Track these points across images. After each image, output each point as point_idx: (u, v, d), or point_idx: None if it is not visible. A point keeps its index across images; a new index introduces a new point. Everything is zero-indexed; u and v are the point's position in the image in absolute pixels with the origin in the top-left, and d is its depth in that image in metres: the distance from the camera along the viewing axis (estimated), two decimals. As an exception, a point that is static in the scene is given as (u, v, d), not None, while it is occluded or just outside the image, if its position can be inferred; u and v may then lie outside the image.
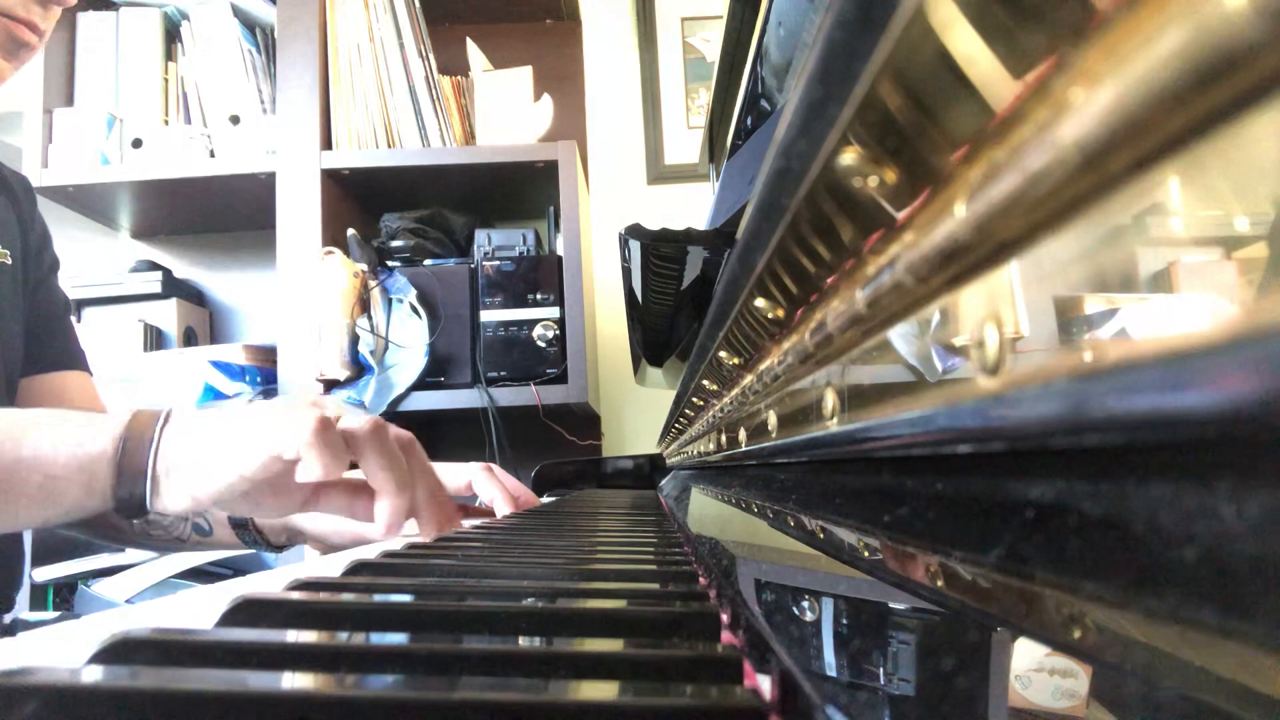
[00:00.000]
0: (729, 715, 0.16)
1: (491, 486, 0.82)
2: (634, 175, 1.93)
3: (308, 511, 0.62)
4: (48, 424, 0.56)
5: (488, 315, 1.43)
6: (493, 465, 0.85)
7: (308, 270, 1.42)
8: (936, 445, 0.18)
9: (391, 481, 0.58)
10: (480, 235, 1.53)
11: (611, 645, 0.21)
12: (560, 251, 1.48)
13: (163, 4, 1.60)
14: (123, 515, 0.57)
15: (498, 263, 1.45)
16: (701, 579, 0.33)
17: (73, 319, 0.99)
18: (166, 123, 1.58)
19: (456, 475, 0.82)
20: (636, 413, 1.85)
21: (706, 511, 0.55)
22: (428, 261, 1.50)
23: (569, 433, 1.56)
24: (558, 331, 1.42)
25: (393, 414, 1.38)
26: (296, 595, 0.26)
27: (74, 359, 0.95)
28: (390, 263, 1.50)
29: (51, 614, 1.44)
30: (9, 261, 0.86)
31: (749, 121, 0.51)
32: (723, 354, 0.43)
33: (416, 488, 0.60)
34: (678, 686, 0.18)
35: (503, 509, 0.81)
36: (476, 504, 0.84)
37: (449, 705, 0.15)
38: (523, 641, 0.22)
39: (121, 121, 1.53)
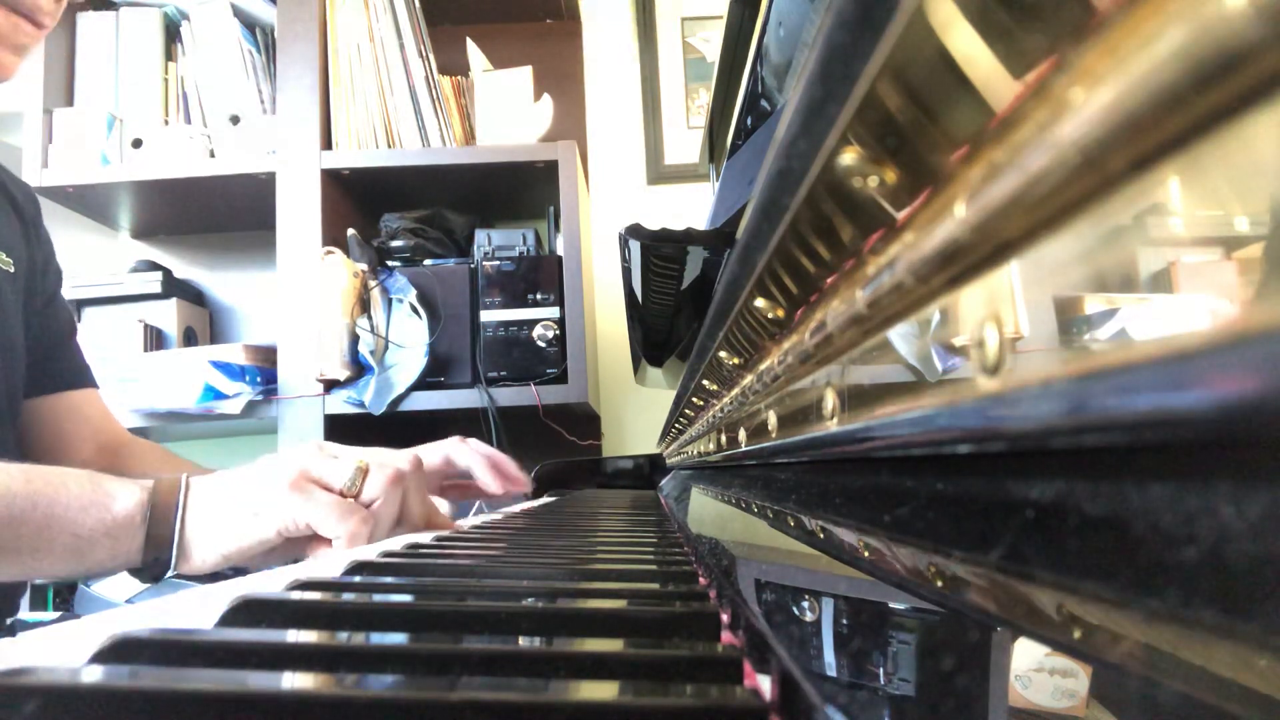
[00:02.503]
0: (729, 715, 0.16)
1: (469, 455, 0.84)
2: (634, 175, 1.93)
3: (304, 557, 0.65)
4: (76, 485, 0.58)
5: (488, 315, 1.43)
6: (468, 438, 0.86)
7: (308, 270, 1.42)
8: (936, 445, 0.18)
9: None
10: (480, 235, 1.53)
11: (611, 645, 0.21)
12: (560, 251, 1.48)
13: (163, 4, 1.60)
14: (144, 579, 0.60)
15: (498, 263, 1.45)
16: (701, 579, 0.33)
17: (77, 336, 0.99)
18: (166, 123, 1.58)
19: (432, 453, 0.84)
20: (636, 413, 1.85)
21: (706, 511, 0.55)
22: (428, 261, 1.50)
23: (569, 433, 1.56)
24: (558, 331, 1.42)
25: (393, 414, 1.38)
26: (296, 595, 0.26)
27: (81, 376, 0.96)
28: (390, 263, 1.49)
29: (51, 614, 1.44)
30: (12, 270, 0.85)
31: (749, 121, 0.51)
32: (723, 354, 0.43)
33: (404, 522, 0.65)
34: (678, 686, 0.18)
35: (484, 476, 0.83)
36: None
37: (449, 705, 0.15)
38: (523, 641, 0.22)
39: (121, 121, 1.53)
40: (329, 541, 0.61)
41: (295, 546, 0.62)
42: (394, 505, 0.63)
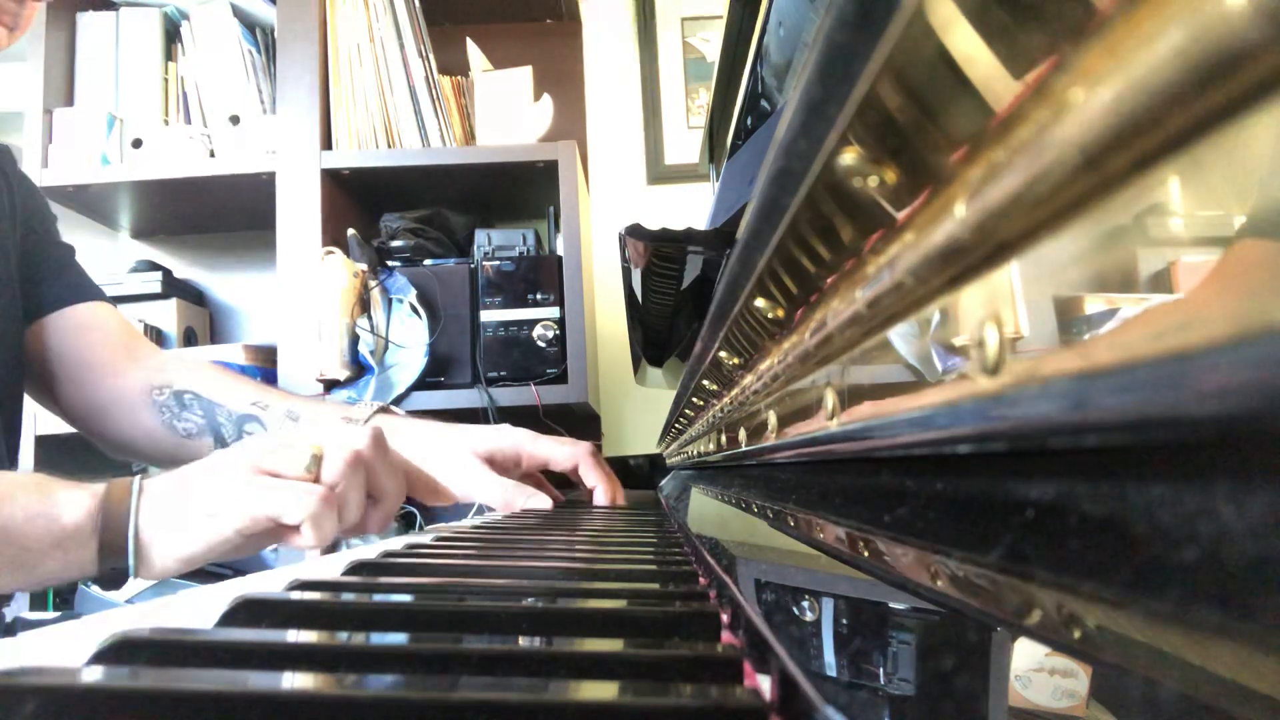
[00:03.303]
0: (729, 715, 0.16)
1: (597, 474, 0.85)
2: (634, 175, 1.93)
3: (284, 544, 0.63)
4: (23, 495, 0.56)
5: (488, 315, 1.43)
6: (596, 450, 0.87)
7: (308, 270, 1.41)
8: (936, 445, 0.18)
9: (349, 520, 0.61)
10: (480, 235, 1.53)
11: (611, 645, 0.21)
12: (560, 251, 1.48)
13: (163, 4, 1.60)
14: (104, 587, 0.58)
15: (498, 263, 1.45)
16: (701, 579, 0.33)
17: (75, 257, 0.96)
18: (166, 123, 1.58)
19: (563, 454, 0.85)
20: (636, 413, 1.85)
21: (706, 511, 0.55)
22: (428, 261, 1.50)
23: (569, 433, 1.56)
24: (558, 331, 1.42)
25: (393, 414, 1.38)
26: (296, 595, 0.26)
27: (87, 290, 0.93)
28: (390, 263, 1.49)
29: (51, 614, 1.44)
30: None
31: (749, 121, 0.51)
32: (723, 354, 0.43)
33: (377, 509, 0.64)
34: (678, 686, 0.18)
35: (601, 500, 0.84)
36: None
37: (449, 705, 0.15)
38: (523, 641, 0.22)
39: (121, 121, 1.53)
40: (298, 530, 0.59)
41: (262, 540, 0.60)
42: (359, 486, 0.61)
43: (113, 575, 0.57)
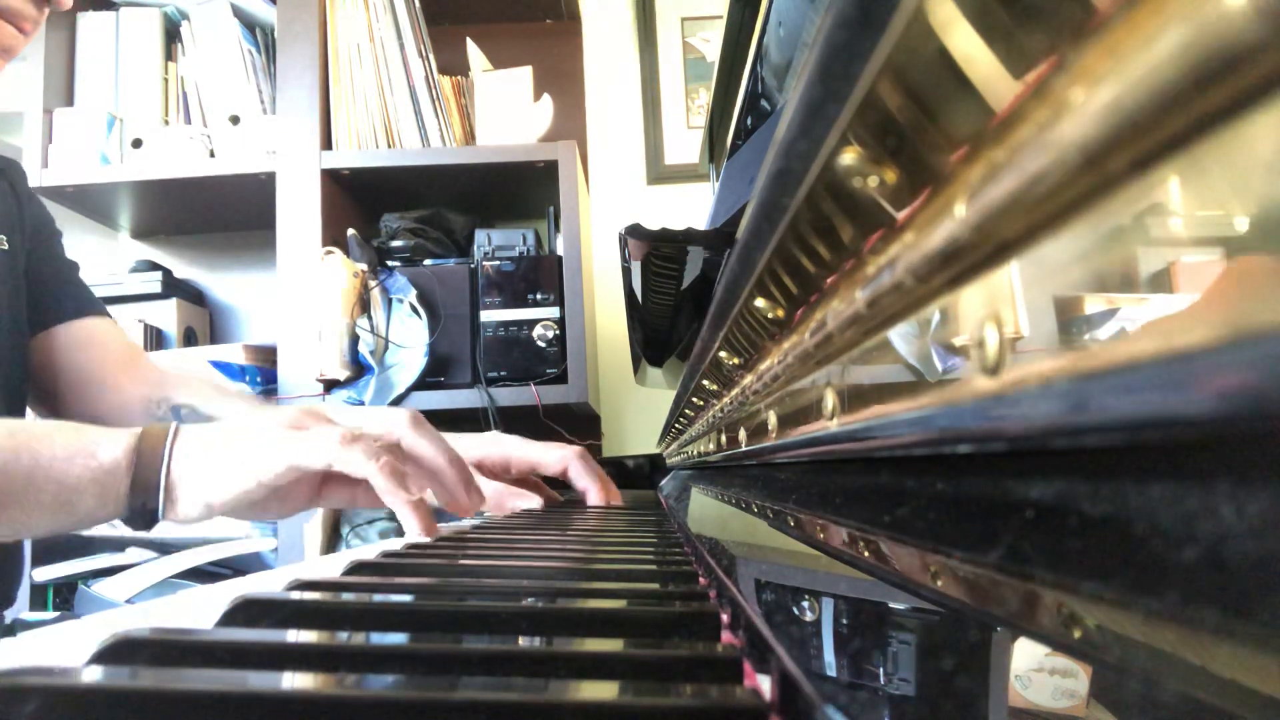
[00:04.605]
0: (729, 715, 0.16)
1: (587, 477, 0.85)
2: (634, 175, 1.93)
3: (313, 508, 0.64)
4: (61, 436, 0.58)
5: (488, 315, 1.43)
6: (587, 454, 0.87)
7: (308, 270, 1.41)
8: (936, 445, 0.18)
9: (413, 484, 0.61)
10: (480, 235, 1.53)
11: (611, 645, 0.21)
12: (560, 251, 1.48)
13: (163, 4, 1.60)
14: (134, 526, 0.59)
15: (498, 263, 1.45)
16: (701, 579, 0.33)
17: (79, 273, 0.97)
18: (166, 123, 1.58)
19: (552, 458, 0.86)
20: (636, 413, 1.85)
21: (706, 511, 0.55)
22: (428, 261, 1.50)
23: (569, 433, 1.56)
24: (558, 331, 1.42)
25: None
26: (296, 595, 0.26)
27: (93, 304, 0.95)
28: (390, 263, 1.49)
29: (51, 614, 1.44)
30: (6, 247, 0.85)
31: (749, 121, 0.51)
32: (723, 354, 0.43)
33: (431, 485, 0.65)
34: (678, 686, 0.18)
35: (595, 502, 0.84)
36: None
37: (449, 705, 0.15)
38: (523, 641, 0.22)
39: (121, 121, 1.53)
40: (344, 485, 0.60)
41: (294, 500, 0.61)
42: (389, 449, 0.60)
43: (143, 515, 0.58)
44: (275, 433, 0.59)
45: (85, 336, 0.92)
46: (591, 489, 0.84)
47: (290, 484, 0.59)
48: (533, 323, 1.42)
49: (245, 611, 0.24)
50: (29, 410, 0.90)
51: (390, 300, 1.44)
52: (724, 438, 0.51)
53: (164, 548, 1.43)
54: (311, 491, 0.63)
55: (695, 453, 0.74)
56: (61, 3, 0.73)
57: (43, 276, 0.91)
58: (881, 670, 0.17)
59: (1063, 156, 0.11)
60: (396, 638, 0.22)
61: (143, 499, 0.58)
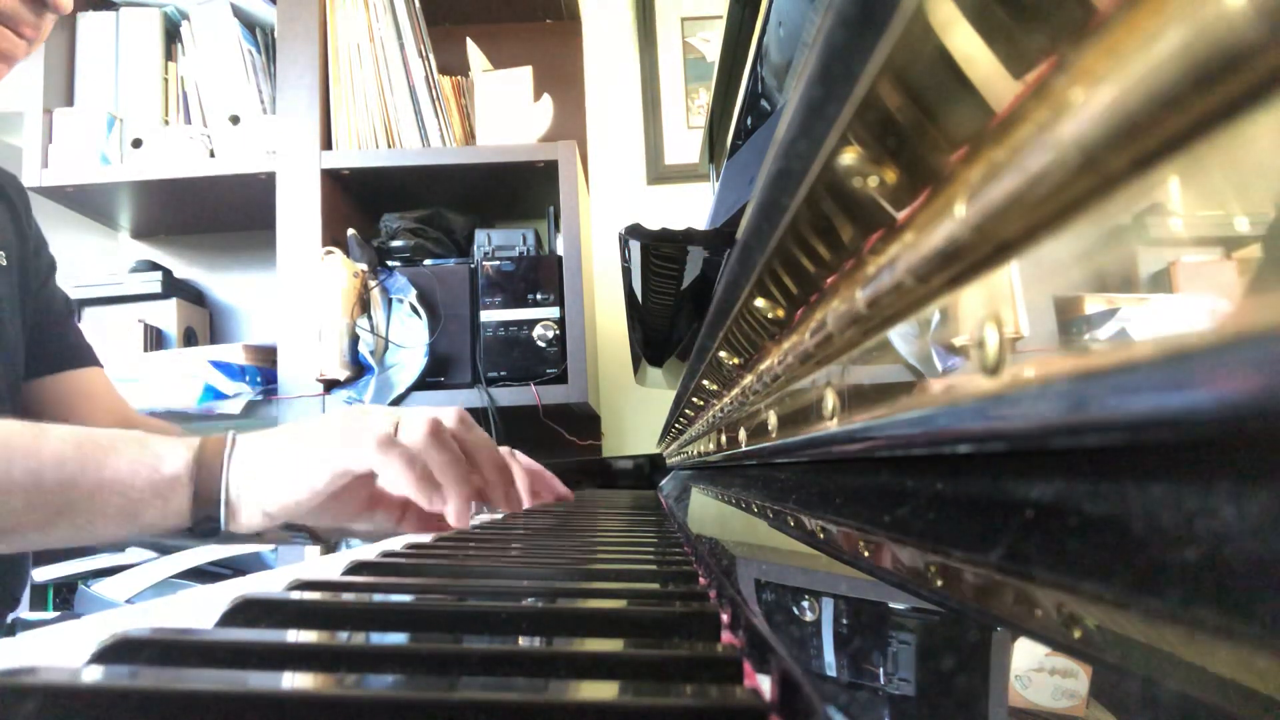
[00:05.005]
0: (729, 715, 0.16)
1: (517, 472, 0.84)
2: (634, 175, 1.93)
3: (365, 515, 0.66)
4: (125, 447, 0.59)
5: (488, 315, 1.43)
6: (516, 451, 0.86)
7: (308, 270, 1.41)
8: (936, 445, 0.18)
9: (451, 479, 0.62)
10: (480, 235, 1.53)
11: (611, 645, 0.21)
12: (560, 251, 1.48)
13: (163, 4, 1.60)
14: (197, 536, 0.60)
15: (498, 263, 1.45)
16: (701, 579, 0.33)
17: (74, 317, 0.99)
18: (166, 123, 1.58)
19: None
20: (636, 413, 1.85)
21: (706, 511, 0.55)
22: (428, 261, 1.50)
23: (569, 433, 1.56)
24: (558, 331, 1.42)
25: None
26: (296, 595, 0.26)
27: (83, 355, 0.95)
28: (390, 263, 1.49)
29: (51, 614, 1.44)
30: (5, 263, 0.86)
31: (749, 121, 0.51)
32: (723, 354, 0.43)
33: (478, 476, 0.67)
34: (678, 686, 0.18)
35: (524, 495, 0.83)
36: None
37: (449, 705, 0.15)
38: (523, 641, 0.22)
39: (121, 121, 1.53)
40: (385, 500, 0.62)
41: (346, 507, 0.63)
42: (440, 448, 0.62)
43: (205, 527, 0.59)
44: (323, 438, 0.60)
45: (76, 389, 0.93)
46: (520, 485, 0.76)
47: (341, 489, 0.61)
48: (533, 323, 1.42)
49: (245, 611, 0.24)
50: None
51: (390, 300, 1.44)
52: (724, 438, 0.51)
53: (164, 548, 1.43)
54: (362, 504, 0.65)
55: (695, 453, 0.74)
56: (61, 7, 0.73)
57: (38, 320, 0.92)
58: (882, 670, 0.17)
59: (1062, 156, 0.11)
60: (396, 638, 0.22)
61: (205, 511, 0.59)
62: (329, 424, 0.61)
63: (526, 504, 0.73)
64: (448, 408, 0.67)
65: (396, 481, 0.58)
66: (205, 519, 0.59)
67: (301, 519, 0.63)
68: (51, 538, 0.57)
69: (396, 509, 0.67)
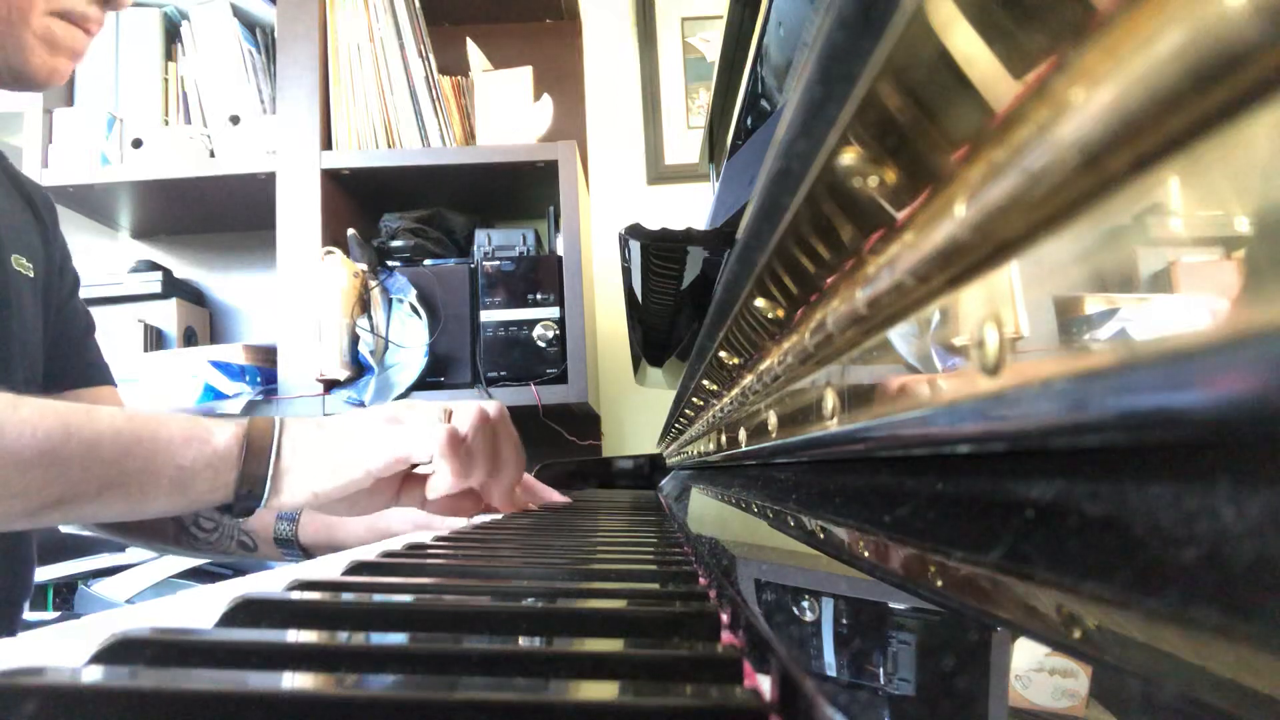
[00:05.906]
0: (729, 715, 0.16)
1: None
2: (634, 175, 1.93)
3: (392, 506, 0.69)
4: (175, 422, 0.61)
5: (488, 315, 1.43)
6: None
7: (308, 270, 1.41)
8: (936, 445, 0.18)
9: (499, 466, 0.68)
10: (480, 235, 1.53)
11: (611, 645, 0.21)
12: (560, 251, 1.48)
13: (163, 4, 1.60)
14: (235, 513, 0.62)
15: (498, 263, 1.45)
16: (701, 579, 0.33)
17: (94, 335, 0.99)
18: (166, 123, 1.58)
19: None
20: (636, 413, 1.85)
21: (706, 511, 0.55)
22: (428, 261, 1.50)
23: (569, 433, 1.56)
24: (558, 331, 1.42)
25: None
26: (296, 595, 0.26)
27: (100, 373, 0.96)
28: (390, 263, 1.49)
29: (51, 614, 1.44)
30: (32, 274, 0.86)
31: (749, 121, 0.51)
32: (723, 354, 0.43)
33: (495, 476, 0.70)
34: (678, 686, 0.18)
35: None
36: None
37: (449, 705, 0.15)
38: (523, 641, 0.22)
39: (121, 121, 1.53)
40: (420, 484, 0.65)
41: (383, 495, 0.66)
42: (486, 441, 0.66)
43: (246, 499, 0.61)
44: (379, 426, 0.63)
45: (89, 404, 0.93)
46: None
47: (389, 477, 0.64)
48: (532, 323, 1.42)
49: (245, 611, 0.24)
50: None
51: (390, 300, 1.44)
52: (724, 438, 0.51)
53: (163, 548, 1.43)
54: (393, 491, 0.67)
55: (695, 453, 0.74)
56: (122, 2, 0.75)
57: (60, 335, 0.92)
58: (882, 670, 0.17)
59: (1062, 156, 0.11)
60: (396, 638, 0.22)
61: (249, 486, 0.61)
62: (381, 413, 0.65)
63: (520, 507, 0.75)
64: (491, 401, 0.70)
65: (451, 467, 0.62)
66: (248, 495, 0.61)
67: (339, 506, 0.65)
68: (105, 510, 0.58)
69: (420, 497, 0.69)
